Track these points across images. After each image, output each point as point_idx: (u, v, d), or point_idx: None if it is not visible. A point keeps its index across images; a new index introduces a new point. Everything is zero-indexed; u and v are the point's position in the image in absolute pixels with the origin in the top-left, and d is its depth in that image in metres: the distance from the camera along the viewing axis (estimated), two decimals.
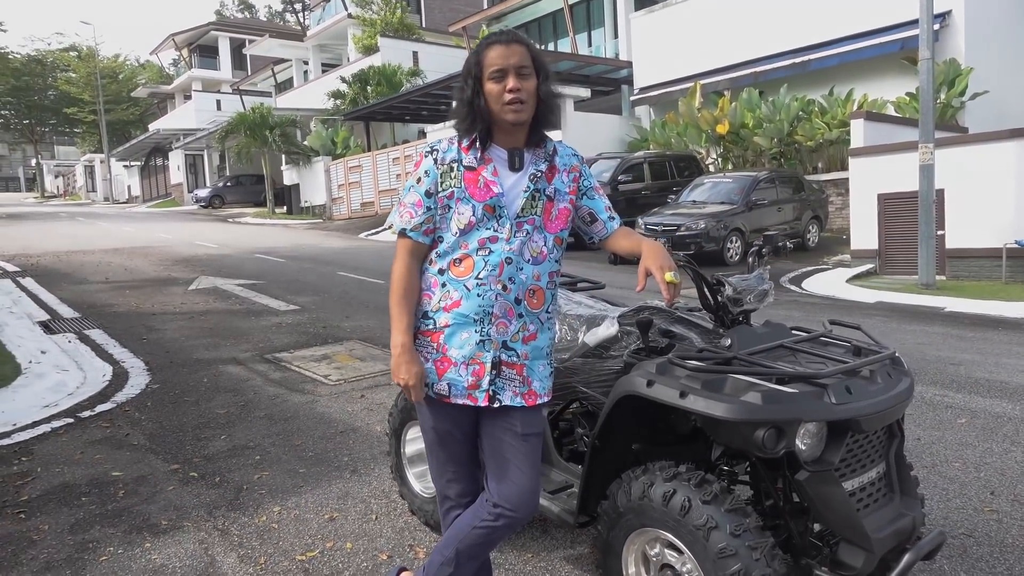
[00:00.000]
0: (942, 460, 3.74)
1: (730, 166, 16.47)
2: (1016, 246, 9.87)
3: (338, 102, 25.78)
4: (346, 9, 30.88)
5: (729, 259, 12.05)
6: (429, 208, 1.99)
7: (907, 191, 10.66)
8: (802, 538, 2.15)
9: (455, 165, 1.98)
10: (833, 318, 2.56)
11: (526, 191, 2.00)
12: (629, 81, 20.37)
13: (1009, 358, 5.90)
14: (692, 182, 14.06)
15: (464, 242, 1.97)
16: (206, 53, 44.62)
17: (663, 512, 2.05)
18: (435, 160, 2.00)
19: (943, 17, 13.97)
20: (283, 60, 37.65)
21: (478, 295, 1.96)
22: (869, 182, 11.56)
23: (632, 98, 19.97)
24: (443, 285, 1.99)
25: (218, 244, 16.12)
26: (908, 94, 14.37)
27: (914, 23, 14.05)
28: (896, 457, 2.23)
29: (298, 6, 53.52)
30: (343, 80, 25.71)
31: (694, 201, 13.13)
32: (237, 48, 43.48)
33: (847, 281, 10.61)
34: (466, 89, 1.96)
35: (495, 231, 1.96)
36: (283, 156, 26.98)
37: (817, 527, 2.17)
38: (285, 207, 27.56)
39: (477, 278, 1.96)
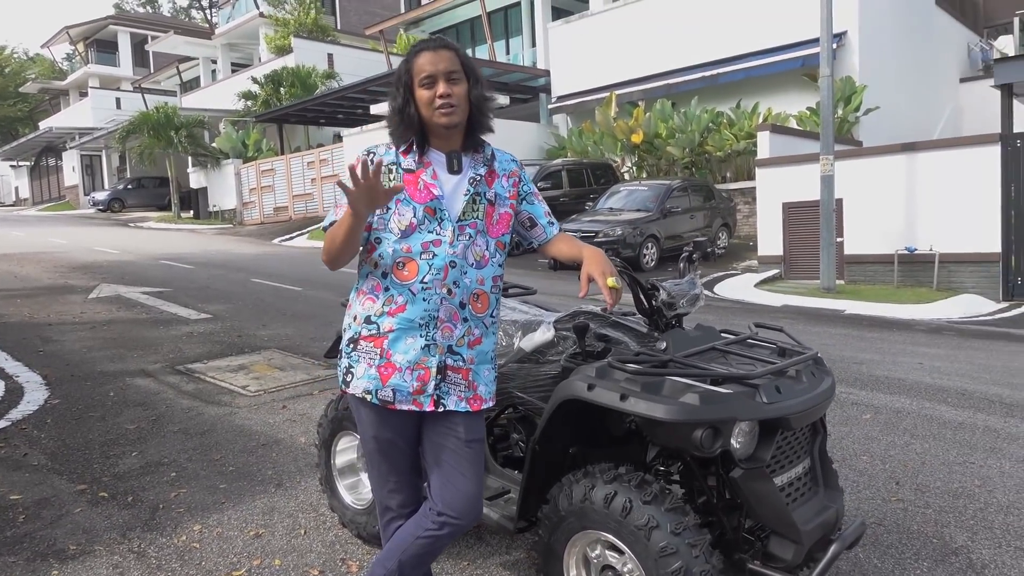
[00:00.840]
0: (851, 454, 3.95)
1: (644, 174, 16.93)
2: (906, 252, 10.59)
3: (249, 103, 24.94)
4: (257, 8, 30.00)
5: (645, 265, 12.37)
6: None
7: (809, 200, 11.25)
8: (735, 533, 2.22)
9: (394, 168, 1.98)
10: (757, 321, 2.66)
11: (466, 194, 2.00)
12: (547, 89, 20.65)
13: (904, 356, 6.31)
14: (609, 190, 14.37)
15: (407, 245, 1.95)
16: (104, 48, 42.24)
17: (604, 514, 2.07)
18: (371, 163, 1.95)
19: (839, 37, 14.82)
20: (189, 58, 36.12)
21: (424, 299, 1.95)
22: (774, 191, 12.14)
23: (550, 106, 20.25)
24: (387, 289, 1.97)
25: (119, 250, 15.27)
26: (809, 108, 15.19)
27: (813, 41, 14.88)
28: (820, 452, 2.34)
29: (205, 2, 51.54)
30: (255, 81, 24.90)
31: (611, 208, 13.42)
32: (139, 44, 41.39)
33: (755, 286, 11.09)
34: (397, 97, 1.97)
35: (438, 234, 1.95)
36: (190, 158, 25.86)
37: (748, 523, 2.24)
38: (192, 211, 26.41)
39: (422, 282, 1.94)
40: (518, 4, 24.30)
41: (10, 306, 8.50)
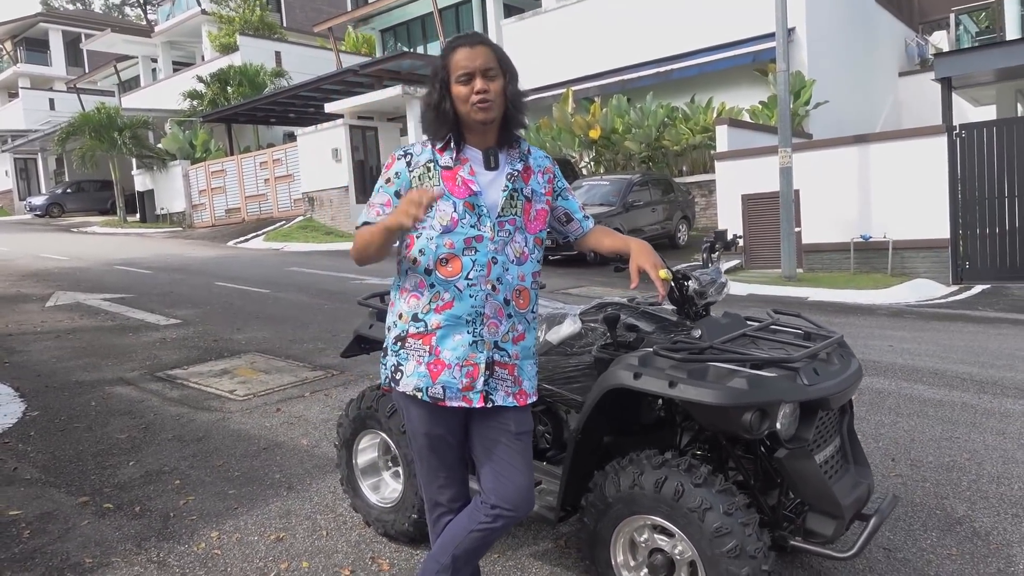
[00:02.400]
0: None
1: (602, 169, 17.13)
2: (861, 240, 10.98)
3: (195, 103, 24.28)
4: (199, 5, 29.18)
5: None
6: None
7: (768, 192, 11.57)
8: (774, 512, 2.31)
9: (431, 165, 1.99)
10: (775, 308, 2.76)
11: (504, 190, 2.02)
12: None
13: (874, 340, 6.56)
14: (570, 185, 14.48)
15: (449, 240, 1.96)
16: (34, 47, 40.45)
17: (656, 499, 2.13)
18: (408, 163, 2.02)
19: (789, 33, 15.21)
20: (127, 57, 34.91)
21: (470, 295, 1.96)
22: (734, 183, 12.43)
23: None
24: (432, 286, 1.98)
25: (68, 256, 14.70)
26: (761, 102, 15.60)
27: (763, 37, 15.35)
28: (848, 431, 2.44)
29: None
30: (200, 79, 24.25)
31: None
32: (72, 42, 39.78)
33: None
34: (433, 93, 1.99)
35: (479, 230, 1.97)
36: (134, 160, 25.01)
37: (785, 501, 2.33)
38: (138, 215, 25.57)
39: (467, 278, 1.96)
40: (469, 1, 24.28)
41: None
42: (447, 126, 1.99)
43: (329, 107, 18.71)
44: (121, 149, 23.54)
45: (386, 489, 3.03)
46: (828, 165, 11.41)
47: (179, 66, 31.79)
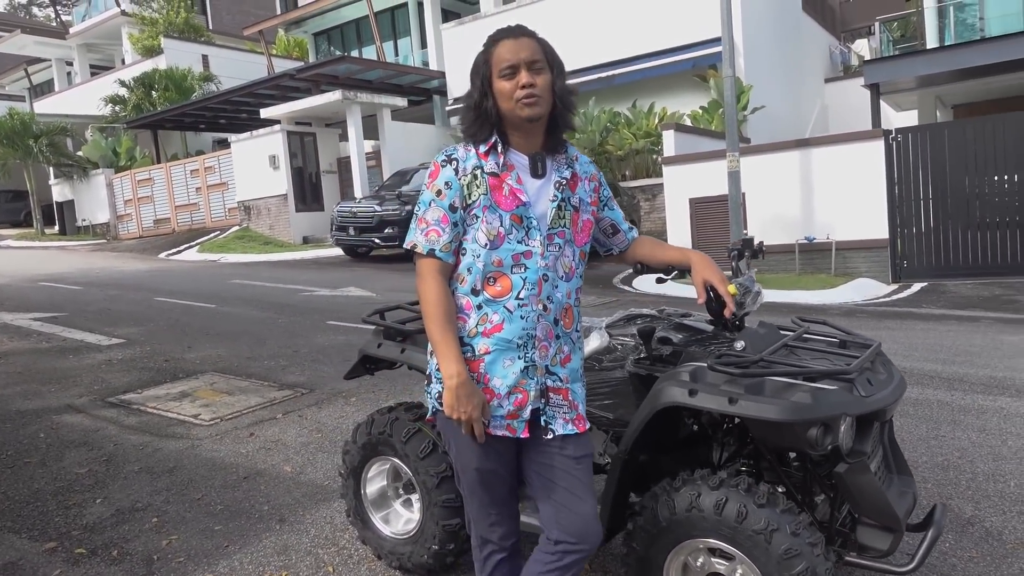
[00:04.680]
0: None
1: None
2: (806, 241, 11.30)
3: (118, 108, 23.11)
4: (119, 6, 27.85)
5: None
6: (456, 224, 1.84)
7: (715, 195, 11.78)
8: (827, 528, 2.25)
9: (478, 172, 1.83)
10: (800, 315, 2.72)
11: (554, 200, 1.87)
12: (441, 91, 20.47)
13: None
14: None
15: (497, 257, 1.82)
16: None
17: (717, 521, 2.04)
18: (456, 170, 1.84)
19: (733, 40, 15.61)
20: (40, 60, 33.02)
21: (521, 317, 1.82)
22: (681, 187, 12.62)
23: (448, 108, 20.09)
24: (479, 307, 1.84)
25: None
26: (701, 107, 15.92)
27: (703, 44, 15.70)
28: (889, 440, 2.41)
29: None
30: (123, 84, 23.10)
31: None
32: None
33: (671, 279, 11.46)
34: (474, 92, 1.84)
35: (527, 245, 1.83)
36: (51, 169, 23.62)
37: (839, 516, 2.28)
38: (57, 227, 24.15)
39: (517, 298, 1.82)
40: (405, 5, 23.97)
41: None
42: (488, 126, 1.83)
43: (265, 112, 18.10)
44: (37, 157, 22.19)
45: (400, 519, 2.84)
46: (772, 169, 11.71)
47: (98, 70, 30.23)
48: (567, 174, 1.92)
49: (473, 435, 1.82)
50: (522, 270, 1.83)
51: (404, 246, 1.90)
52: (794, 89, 19.38)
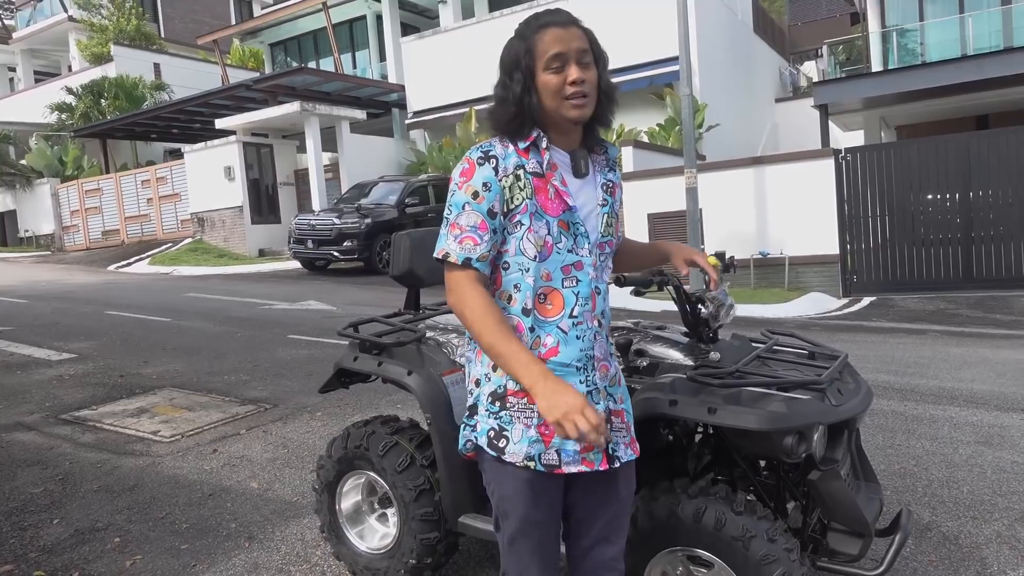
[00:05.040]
0: None
1: None
2: (760, 256, 11.59)
3: (64, 116, 22.45)
4: (65, 11, 27.13)
5: None
6: (495, 231, 1.60)
7: (673, 211, 12.00)
8: (800, 534, 2.32)
9: (521, 172, 1.60)
10: (770, 328, 2.80)
11: (604, 205, 1.69)
12: (400, 104, 20.43)
13: None
14: None
15: (545, 271, 1.61)
16: None
17: (696, 529, 2.08)
18: (495, 168, 1.59)
19: (690, 59, 15.99)
20: None
21: (577, 337, 1.63)
22: (640, 203, 12.81)
23: (407, 121, 20.06)
24: (531, 329, 1.62)
25: None
26: (658, 124, 16.24)
27: (659, 63, 16.04)
28: (856, 448, 2.50)
29: None
30: (70, 91, 22.45)
31: None
32: None
33: (631, 293, 11.61)
34: (513, 84, 1.61)
35: (577, 255, 1.63)
36: None
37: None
38: None
39: (571, 316, 1.63)
40: (363, 18, 23.91)
41: None
42: (530, 124, 1.61)
43: (220, 123, 17.81)
44: None
45: (375, 534, 2.82)
46: (728, 185, 12.00)
47: (42, 76, 29.39)
48: (612, 177, 1.76)
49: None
50: (574, 283, 1.64)
51: (435, 255, 1.63)
52: (746, 108, 19.93)
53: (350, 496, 2.86)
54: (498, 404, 1.64)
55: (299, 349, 6.91)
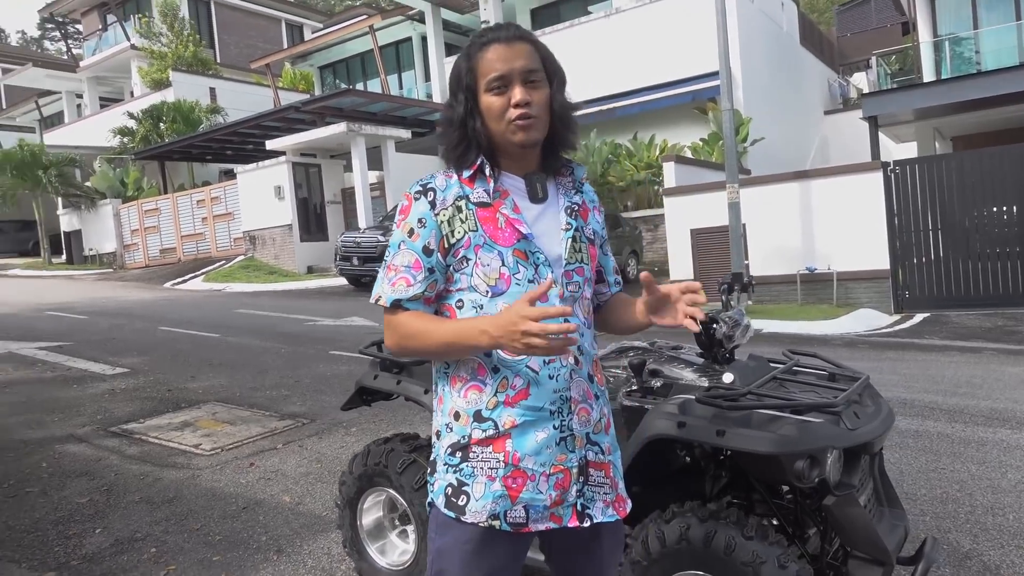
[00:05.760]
0: None
1: None
2: (807, 272, 11.35)
3: (126, 140, 23.45)
4: (128, 40, 28.40)
5: None
6: (431, 270, 1.48)
7: (716, 226, 11.86)
8: (817, 561, 2.27)
9: (463, 204, 1.49)
10: (792, 348, 2.76)
11: (567, 229, 1.53)
12: None
13: None
14: None
15: (505, 304, 1.45)
16: None
17: (706, 553, 2.06)
18: (431, 203, 1.49)
19: (730, 74, 15.85)
20: (51, 92, 33.59)
21: (550, 376, 1.47)
22: (682, 218, 12.71)
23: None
24: (495, 370, 1.46)
25: None
26: (701, 139, 16.11)
27: (702, 77, 15.92)
28: (880, 473, 2.44)
29: (61, 33, 48.19)
30: (131, 116, 23.46)
31: None
32: None
33: None
34: (456, 106, 1.50)
35: (539, 284, 1.46)
36: (60, 199, 23.92)
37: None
38: (64, 256, 24.37)
39: None
40: (409, 39, 24.42)
41: None
42: (475, 150, 1.49)
43: (271, 144, 18.36)
44: (46, 188, 22.49)
45: (395, 550, 2.86)
46: (772, 200, 11.80)
47: (107, 102, 30.75)
48: (578, 200, 1.60)
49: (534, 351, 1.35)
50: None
51: (370, 300, 1.55)
52: (794, 121, 19.61)
53: (371, 512, 2.91)
54: (459, 456, 1.48)
55: (340, 365, 7.05)
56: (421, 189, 1.51)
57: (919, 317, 10.22)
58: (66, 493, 4.12)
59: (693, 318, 1.49)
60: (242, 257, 18.95)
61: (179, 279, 18.12)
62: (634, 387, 2.49)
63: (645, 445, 2.23)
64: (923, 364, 7.03)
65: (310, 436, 5.04)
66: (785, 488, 2.42)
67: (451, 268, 1.49)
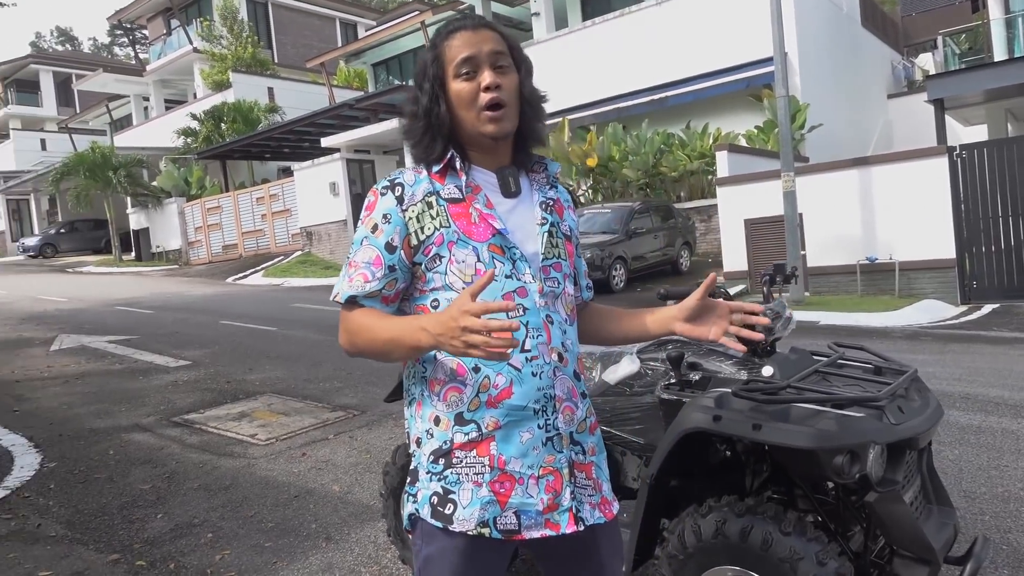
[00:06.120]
0: None
1: (601, 197, 17.18)
2: (867, 262, 10.99)
3: (189, 140, 24.32)
4: (191, 43, 29.36)
5: (615, 286, 12.49)
6: (392, 268, 1.42)
7: (770, 216, 11.59)
8: (860, 559, 2.22)
9: (433, 200, 1.43)
10: (836, 341, 2.69)
11: (543, 224, 1.48)
12: None
13: None
14: None
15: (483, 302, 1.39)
16: (25, 88, 40.62)
17: (742, 548, 2.04)
18: (399, 198, 1.43)
19: (785, 59, 15.44)
20: (119, 96, 35.03)
21: (533, 374, 1.40)
22: (736, 209, 12.46)
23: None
24: (475, 369, 1.39)
25: (67, 297, 14.55)
26: (756, 127, 15.73)
27: (757, 63, 15.53)
28: (928, 469, 2.36)
29: (129, 38, 50.17)
30: (194, 117, 24.31)
31: None
32: (63, 83, 39.96)
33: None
34: (421, 96, 1.45)
35: (518, 280, 1.42)
36: (129, 198, 24.97)
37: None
38: (133, 253, 25.45)
39: (523, 350, 1.39)
40: None
41: None
42: (443, 140, 1.44)
43: (325, 141, 18.76)
44: (116, 188, 23.50)
45: None
46: (830, 188, 11.46)
47: (171, 104, 31.90)
48: (552, 195, 1.54)
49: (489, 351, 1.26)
50: (520, 312, 1.40)
51: (330, 298, 1.49)
52: (855, 106, 18.96)
53: None
54: (442, 462, 1.40)
55: None
56: (388, 184, 1.46)
57: (987, 308, 9.79)
58: (130, 479, 4.33)
59: (741, 339, 1.48)
60: (299, 252, 19.44)
61: (240, 274, 18.71)
62: (672, 380, 2.48)
63: (682, 438, 2.21)
64: (990, 357, 6.74)
65: (360, 427, 5.16)
66: (829, 484, 2.38)
67: (423, 267, 1.42)
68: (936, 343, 7.61)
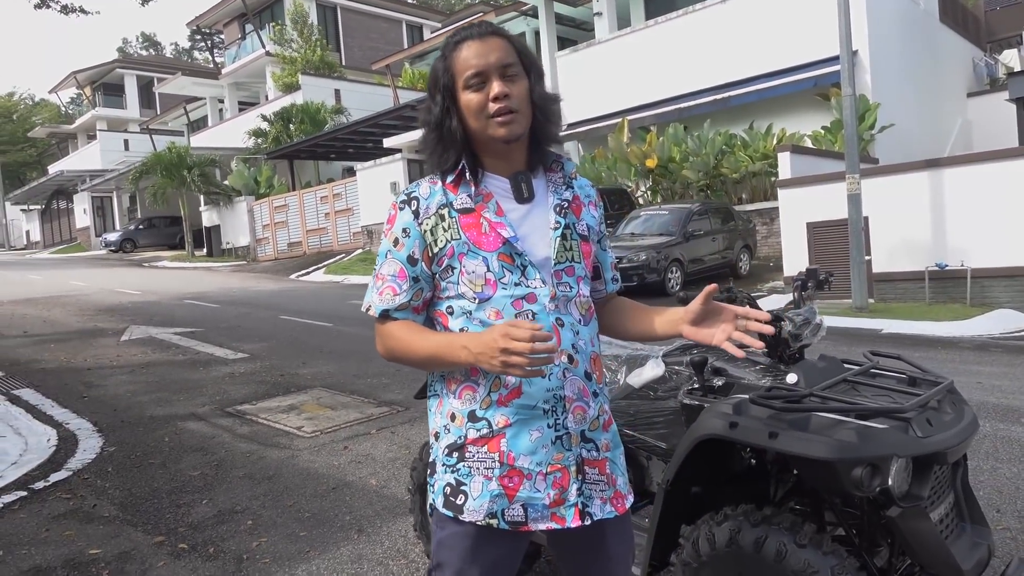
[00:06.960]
0: None
1: (659, 199, 16.95)
2: (936, 268, 10.51)
3: (260, 140, 25.18)
4: (264, 47, 30.37)
5: (671, 289, 12.30)
6: (416, 279, 1.49)
7: (834, 219, 11.21)
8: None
9: (446, 212, 1.48)
10: (873, 349, 2.59)
11: (556, 228, 1.51)
12: None
13: (959, 376, 6.19)
14: (628, 215, 14.37)
15: (493, 310, 1.46)
16: (111, 91, 42.83)
17: (755, 559, 1.99)
18: (415, 212, 1.49)
19: (852, 56, 14.91)
20: (196, 98, 36.55)
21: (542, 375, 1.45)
22: (798, 211, 12.11)
23: (560, 134, 20.27)
24: (486, 372, 1.45)
25: (141, 291, 15.28)
26: (823, 127, 15.24)
27: (826, 62, 15.04)
28: (962, 486, 2.26)
29: (207, 43, 52.24)
30: (264, 118, 25.16)
31: (632, 234, 13.39)
32: (145, 86, 41.99)
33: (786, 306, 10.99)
34: (433, 107, 1.49)
35: (527, 286, 1.47)
36: (202, 196, 26.04)
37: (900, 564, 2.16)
38: (205, 249, 26.52)
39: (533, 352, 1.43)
40: (523, 35, 24.61)
41: (45, 351, 8.45)
42: (455, 149, 1.48)
43: (387, 142, 19.12)
44: (190, 186, 24.53)
45: None
46: (898, 191, 11.01)
47: (244, 106, 33.09)
48: (567, 195, 1.56)
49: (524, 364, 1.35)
50: (529, 318, 1.45)
51: (361, 308, 1.58)
52: (931, 105, 18.16)
53: None
54: (455, 456, 1.48)
55: None
56: (406, 198, 1.51)
57: None
58: (182, 466, 4.52)
59: (742, 345, 1.48)
60: (360, 250, 19.88)
61: (303, 271, 19.25)
62: (695, 385, 2.44)
63: (703, 445, 2.18)
64: None
65: (402, 423, 5.24)
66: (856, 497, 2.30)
67: (437, 277, 1.50)
68: (1007, 355, 7.22)
